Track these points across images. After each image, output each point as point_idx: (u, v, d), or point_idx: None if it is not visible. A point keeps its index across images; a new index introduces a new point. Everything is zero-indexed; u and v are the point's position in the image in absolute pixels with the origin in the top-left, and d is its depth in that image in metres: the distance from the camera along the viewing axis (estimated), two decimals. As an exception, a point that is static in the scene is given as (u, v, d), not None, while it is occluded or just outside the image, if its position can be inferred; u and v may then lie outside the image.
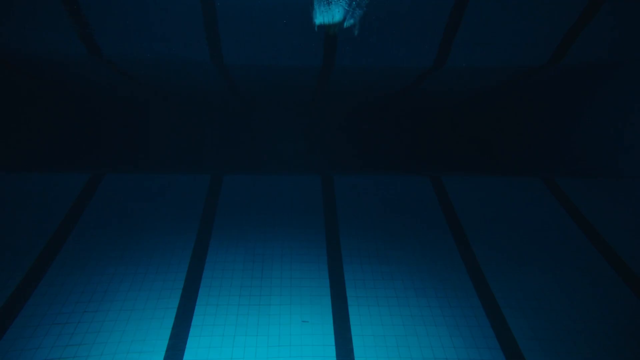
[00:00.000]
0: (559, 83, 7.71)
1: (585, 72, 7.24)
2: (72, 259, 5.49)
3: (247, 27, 5.64)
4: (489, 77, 7.42)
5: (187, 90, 7.88)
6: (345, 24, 4.00)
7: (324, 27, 4.15)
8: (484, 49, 6.34)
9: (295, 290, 5.27)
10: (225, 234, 6.10)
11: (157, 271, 5.40)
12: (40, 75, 7.23)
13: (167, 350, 4.41)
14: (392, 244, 6.04)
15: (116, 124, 7.90)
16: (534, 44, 6.28)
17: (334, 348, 4.53)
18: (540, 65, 6.78)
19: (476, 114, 8.43)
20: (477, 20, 5.77)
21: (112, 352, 4.36)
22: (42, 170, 7.19)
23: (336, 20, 4.09)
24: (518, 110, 8.53)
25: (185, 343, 4.51)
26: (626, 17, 5.86)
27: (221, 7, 5.46)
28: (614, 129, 7.55)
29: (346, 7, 3.95)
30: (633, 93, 7.23)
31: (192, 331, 4.64)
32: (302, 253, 5.82)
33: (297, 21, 4.93)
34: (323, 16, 4.09)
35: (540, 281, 5.50)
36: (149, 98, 8.00)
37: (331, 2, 3.96)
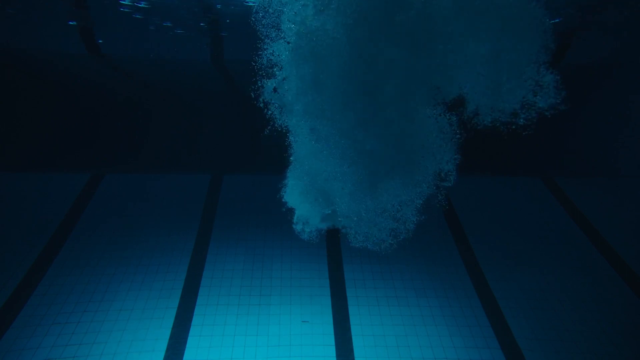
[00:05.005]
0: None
1: (585, 72, 7.24)
2: (72, 259, 5.49)
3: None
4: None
5: (187, 90, 7.88)
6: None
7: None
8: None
9: (295, 290, 5.27)
10: (225, 234, 6.09)
11: (157, 271, 5.40)
12: (40, 75, 7.23)
13: (167, 350, 4.41)
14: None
15: (116, 124, 7.90)
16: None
17: (334, 348, 4.52)
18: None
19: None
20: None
21: (112, 352, 4.35)
22: (42, 170, 7.18)
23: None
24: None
25: (185, 343, 4.50)
26: (626, 19, 5.86)
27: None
28: (614, 129, 7.56)
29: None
30: (632, 93, 7.23)
31: (192, 331, 4.64)
32: (302, 253, 5.82)
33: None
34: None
35: (540, 281, 5.50)
36: (149, 98, 8.00)
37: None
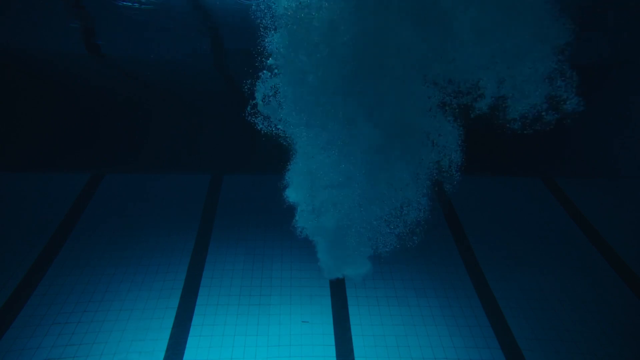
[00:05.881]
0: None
1: (585, 72, 7.24)
2: (72, 259, 5.49)
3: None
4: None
5: (187, 90, 7.88)
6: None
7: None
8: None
9: (295, 290, 5.27)
10: (225, 234, 6.09)
11: (157, 271, 5.40)
12: (40, 75, 7.23)
13: (167, 350, 4.41)
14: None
15: (116, 124, 7.90)
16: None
17: (334, 348, 4.52)
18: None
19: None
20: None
21: (112, 352, 4.35)
22: (42, 170, 7.18)
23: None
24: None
25: (185, 343, 4.50)
26: (626, 19, 5.86)
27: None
28: (614, 129, 7.55)
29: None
30: (632, 94, 7.23)
31: (192, 331, 4.64)
32: (302, 253, 5.82)
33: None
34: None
35: (540, 281, 5.50)
36: (149, 98, 8.00)
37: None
